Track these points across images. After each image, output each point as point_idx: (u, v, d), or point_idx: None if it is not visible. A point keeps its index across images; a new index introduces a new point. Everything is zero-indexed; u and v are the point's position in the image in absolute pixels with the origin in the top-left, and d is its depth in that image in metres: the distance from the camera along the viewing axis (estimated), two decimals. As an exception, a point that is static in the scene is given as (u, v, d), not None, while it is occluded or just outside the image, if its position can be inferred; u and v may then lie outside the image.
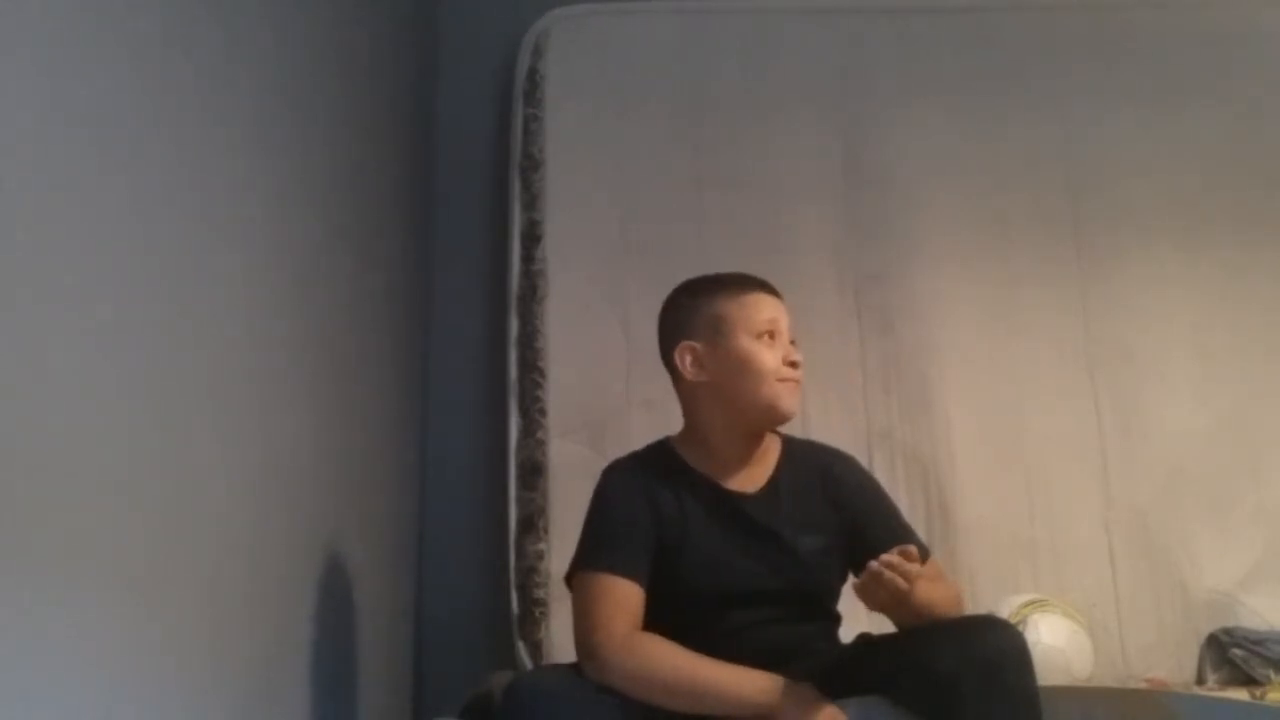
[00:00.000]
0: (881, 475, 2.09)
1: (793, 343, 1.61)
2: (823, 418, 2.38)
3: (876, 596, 1.36)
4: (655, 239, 2.54)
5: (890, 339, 2.52)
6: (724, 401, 1.58)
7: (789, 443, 1.66)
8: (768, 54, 2.66)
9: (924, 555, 1.58)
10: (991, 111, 2.62)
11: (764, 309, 1.60)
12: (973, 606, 1.74)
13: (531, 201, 2.56)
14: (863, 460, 1.97)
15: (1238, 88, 2.62)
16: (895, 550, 1.35)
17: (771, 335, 1.59)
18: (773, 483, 1.59)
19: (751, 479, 1.59)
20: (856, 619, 1.59)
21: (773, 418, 1.59)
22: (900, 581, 1.32)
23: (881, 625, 1.59)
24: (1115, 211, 2.57)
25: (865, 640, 1.55)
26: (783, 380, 1.57)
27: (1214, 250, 2.54)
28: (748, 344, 1.57)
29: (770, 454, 1.62)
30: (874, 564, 1.34)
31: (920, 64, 2.65)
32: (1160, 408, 2.47)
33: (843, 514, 1.60)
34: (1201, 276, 2.54)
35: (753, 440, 1.60)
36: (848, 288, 2.54)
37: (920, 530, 1.79)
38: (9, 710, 0.89)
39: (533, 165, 2.58)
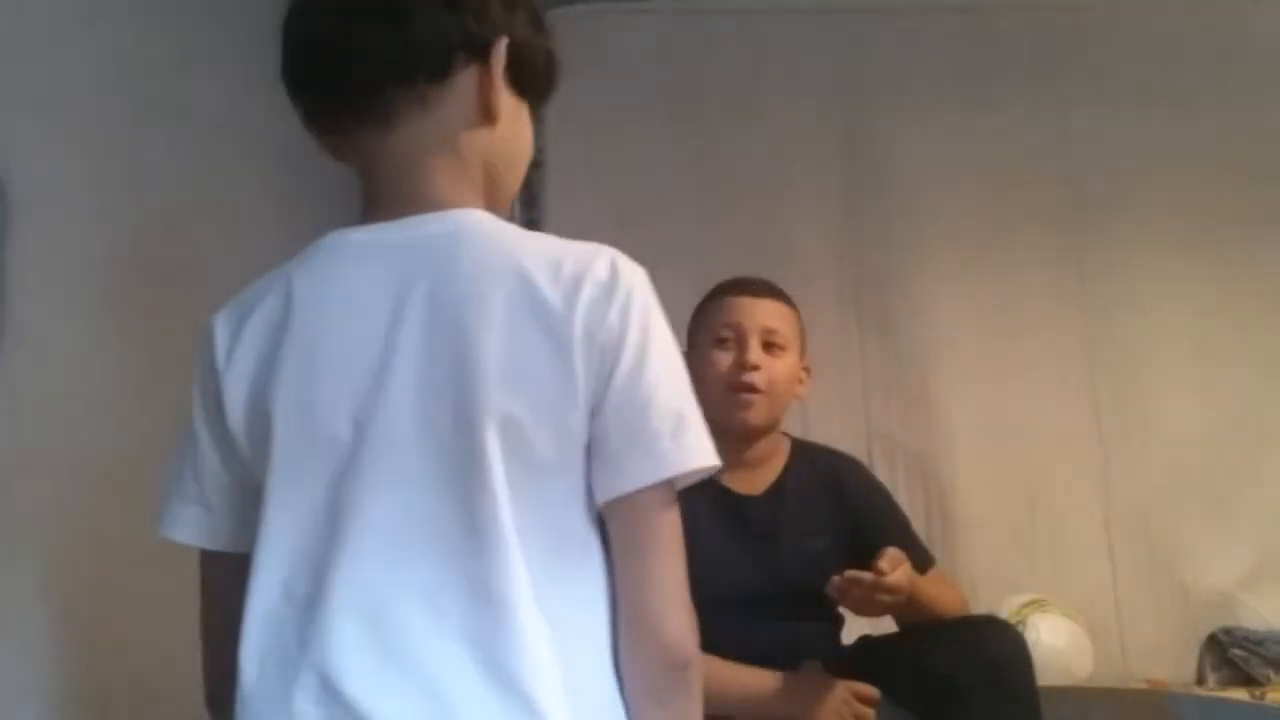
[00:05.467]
0: (881, 475, 2.09)
1: (774, 346, 1.57)
2: (823, 418, 2.38)
3: (850, 604, 1.37)
4: (655, 239, 2.53)
5: (890, 339, 2.52)
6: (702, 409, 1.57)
7: (797, 445, 1.65)
8: (768, 54, 2.66)
9: (928, 562, 1.58)
10: (991, 111, 2.62)
11: (723, 313, 1.56)
12: (973, 606, 1.74)
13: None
14: (862, 460, 1.97)
15: (1238, 88, 2.62)
16: (879, 556, 1.34)
17: (726, 340, 1.55)
18: (778, 485, 1.59)
19: (757, 481, 1.58)
20: (857, 620, 1.59)
21: (726, 428, 1.49)
22: (879, 597, 1.33)
23: (883, 628, 1.59)
24: (1115, 211, 2.57)
25: (866, 641, 1.55)
26: (733, 388, 1.52)
27: (1214, 250, 2.54)
28: (705, 350, 1.56)
29: (777, 456, 1.61)
30: (837, 579, 1.35)
31: (920, 64, 2.65)
32: (1160, 408, 2.47)
33: (848, 517, 1.59)
34: (1202, 276, 2.54)
35: (739, 445, 1.56)
36: (848, 288, 2.54)
37: (920, 530, 1.79)
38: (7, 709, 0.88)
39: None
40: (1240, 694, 2.07)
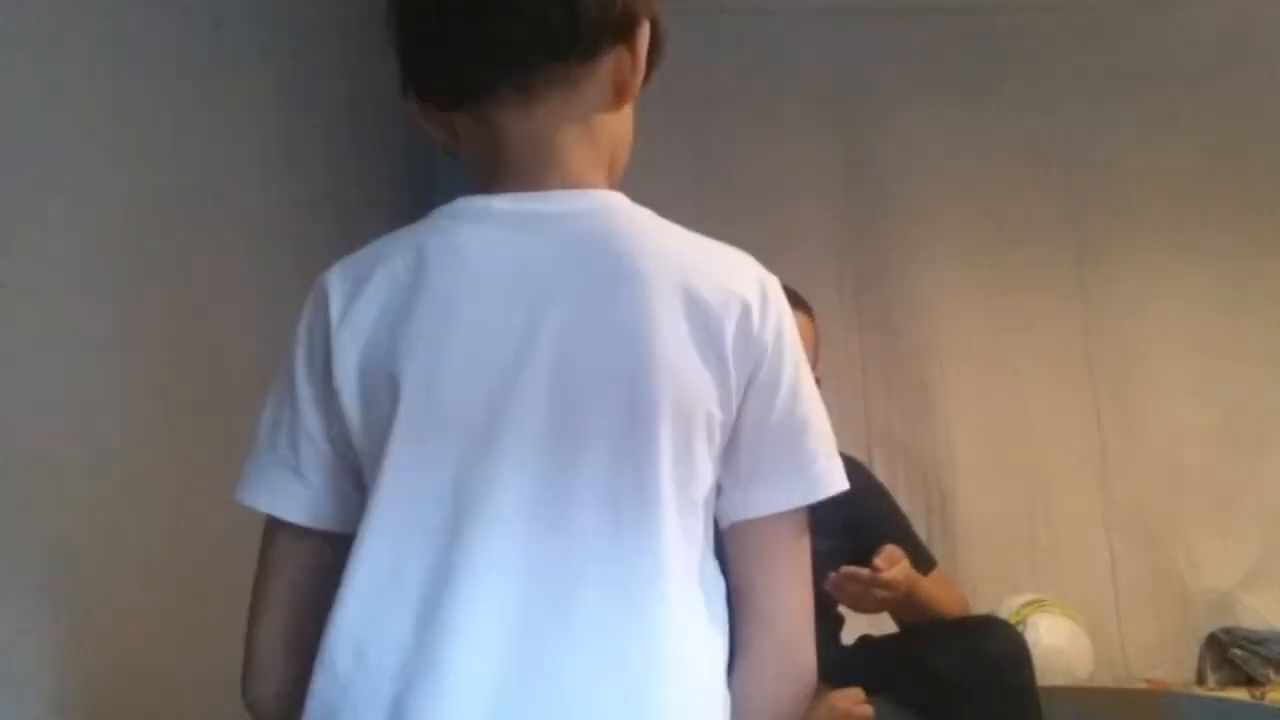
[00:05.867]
0: (881, 475, 2.09)
1: None
2: (822, 418, 2.38)
3: (846, 599, 1.37)
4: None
5: (890, 339, 2.53)
6: None
7: None
8: (768, 54, 2.66)
9: (929, 564, 1.58)
10: (991, 112, 2.62)
11: None
12: (973, 607, 1.74)
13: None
14: (862, 461, 1.97)
15: (1237, 88, 2.62)
16: (876, 554, 1.34)
17: None
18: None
19: None
20: (858, 620, 1.59)
21: None
22: (875, 592, 1.33)
23: (883, 627, 1.59)
24: (1115, 211, 2.58)
25: (866, 641, 1.55)
26: None
27: (1213, 250, 2.55)
28: None
29: None
30: (834, 575, 1.34)
31: (920, 64, 2.66)
32: (1160, 408, 2.47)
33: (848, 518, 1.59)
34: (1201, 276, 2.54)
35: None
36: (848, 288, 2.55)
37: (920, 530, 1.79)
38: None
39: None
40: (1240, 694, 2.07)
